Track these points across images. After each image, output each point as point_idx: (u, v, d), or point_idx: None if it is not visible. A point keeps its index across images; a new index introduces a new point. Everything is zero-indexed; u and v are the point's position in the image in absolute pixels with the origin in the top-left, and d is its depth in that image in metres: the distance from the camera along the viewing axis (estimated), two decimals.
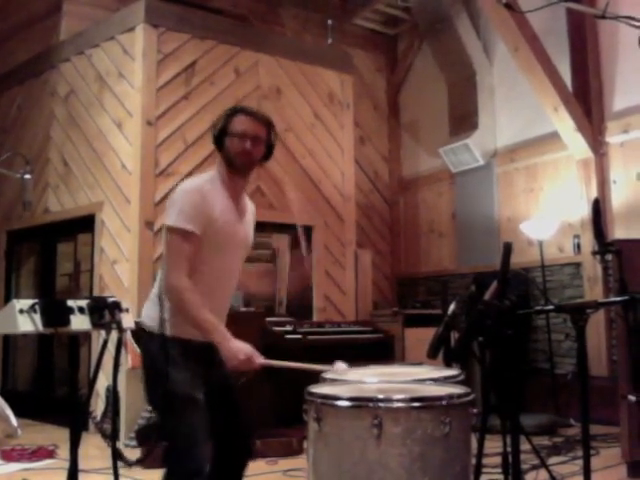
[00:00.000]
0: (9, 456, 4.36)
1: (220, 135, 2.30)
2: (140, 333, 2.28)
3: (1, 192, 6.93)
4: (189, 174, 5.64)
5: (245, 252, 2.40)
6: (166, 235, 2.21)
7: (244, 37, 6.20)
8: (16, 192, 6.36)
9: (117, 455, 2.46)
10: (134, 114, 5.56)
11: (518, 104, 6.67)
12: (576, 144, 6.01)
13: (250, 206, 2.46)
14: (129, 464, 3.02)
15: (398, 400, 2.06)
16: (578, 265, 6.07)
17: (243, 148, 2.25)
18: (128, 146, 5.58)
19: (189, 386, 2.16)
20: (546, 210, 6.32)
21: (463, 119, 7.15)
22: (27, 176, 3.11)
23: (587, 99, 6.04)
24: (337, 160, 6.68)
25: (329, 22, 7.15)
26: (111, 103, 5.81)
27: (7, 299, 6.39)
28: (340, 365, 2.39)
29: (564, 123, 5.95)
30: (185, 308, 2.14)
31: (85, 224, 5.89)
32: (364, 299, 6.73)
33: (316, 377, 2.49)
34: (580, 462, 2.33)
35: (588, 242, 5.88)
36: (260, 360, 2.12)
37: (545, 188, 6.43)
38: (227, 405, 2.30)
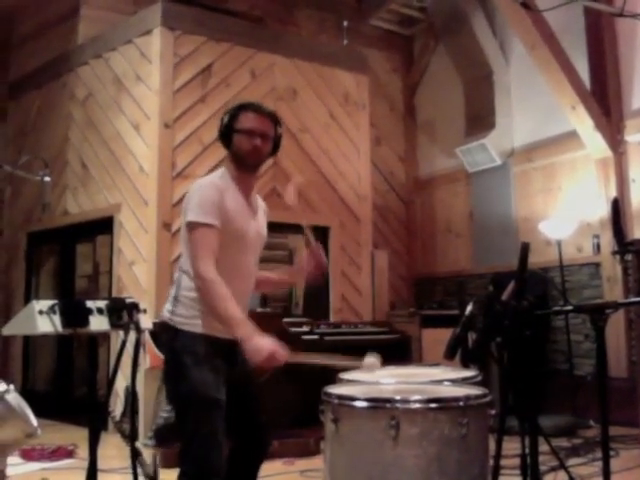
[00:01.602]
0: (29, 455, 4.40)
1: (227, 132, 2.30)
2: (164, 329, 2.26)
3: (21, 194, 7.01)
4: (205, 176, 5.66)
5: (259, 249, 2.39)
6: (188, 231, 2.20)
7: (260, 39, 6.22)
8: (35, 194, 6.42)
9: (137, 456, 2.48)
10: (151, 116, 5.59)
11: (535, 103, 6.63)
12: (594, 143, 5.96)
13: (261, 203, 2.47)
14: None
15: (415, 401, 2.06)
16: (597, 265, 6.02)
17: (253, 146, 2.25)
18: (145, 148, 5.62)
19: (211, 387, 2.14)
20: (564, 210, 6.27)
21: (479, 119, 7.11)
22: (46, 178, 3.13)
23: (605, 97, 5.98)
24: (353, 161, 6.68)
25: (344, 23, 7.14)
26: (129, 106, 5.86)
27: (27, 300, 6.45)
28: (370, 359, 2.39)
29: (582, 122, 5.90)
30: (212, 300, 2.12)
31: (103, 226, 5.94)
32: (381, 299, 6.72)
33: (333, 377, 2.49)
34: (599, 464, 2.31)
35: (607, 242, 5.83)
36: (284, 355, 2.04)
37: (563, 188, 6.38)
38: (246, 403, 2.29)
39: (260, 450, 2.33)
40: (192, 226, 2.18)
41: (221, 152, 5.74)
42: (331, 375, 2.55)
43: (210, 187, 2.22)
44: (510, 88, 7.00)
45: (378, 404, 2.08)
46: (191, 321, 2.20)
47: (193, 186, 2.28)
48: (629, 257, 5.32)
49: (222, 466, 2.09)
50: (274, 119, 2.33)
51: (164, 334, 2.26)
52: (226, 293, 2.11)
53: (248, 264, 2.32)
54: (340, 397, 2.16)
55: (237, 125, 2.28)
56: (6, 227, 7.30)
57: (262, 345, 2.01)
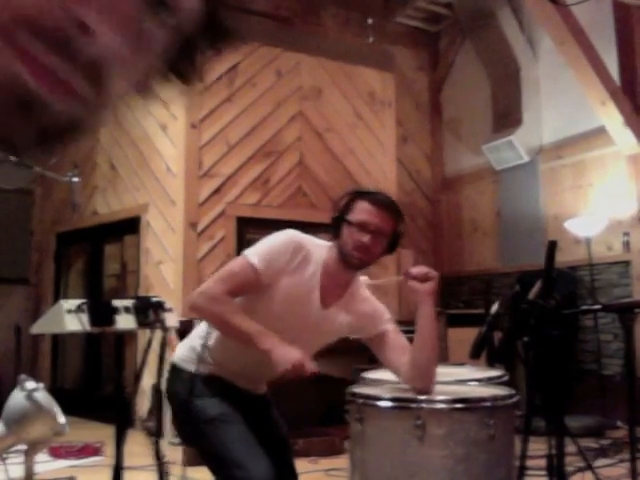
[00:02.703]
0: (57, 453, 4.45)
1: (338, 220, 2.02)
2: (169, 371, 2.17)
3: (51, 195, 7.11)
4: (232, 175, 5.70)
5: (316, 343, 2.17)
6: (236, 258, 2.06)
7: (285, 38, 6.23)
8: (65, 195, 6.50)
9: (159, 453, 2.50)
10: (178, 117, 5.64)
11: (564, 99, 6.54)
12: (625, 139, 5.86)
13: (362, 306, 2.16)
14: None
15: (440, 401, 2.05)
16: (627, 263, 5.92)
17: (361, 242, 1.97)
18: (172, 148, 5.66)
19: (219, 407, 2.00)
20: (594, 207, 6.18)
21: (507, 115, 7.04)
22: (75, 179, 3.17)
23: (635, 93, 5.89)
24: (379, 159, 6.66)
25: (370, 21, 7.12)
26: (156, 107, 5.90)
27: (56, 299, 6.54)
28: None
29: (612, 118, 5.81)
30: (222, 317, 1.93)
31: (131, 225, 6.00)
32: (406, 298, 6.69)
33: (358, 376, 2.49)
34: (627, 465, 2.28)
35: (637, 240, 5.73)
36: (311, 366, 1.89)
37: (593, 185, 6.29)
38: (275, 453, 2.07)
39: None
40: (241, 256, 2.00)
41: (247, 151, 5.81)
42: (356, 374, 2.54)
43: (289, 242, 2.00)
44: (538, 84, 6.92)
45: (403, 404, 2.07)
46: (186, 361, 2.12)
47: (285, 231, 2.04)
48: None
49: (271, 474, 1.89)
50: (396, 214, 2.06)
51: (169, 378, 2.17)
52: (235, 308, 1.94)
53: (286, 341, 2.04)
54: (365, 397, 2.15)
55: (350, 215, 2.00)
56: (37, 227, 7.42)
57: (289, 354, 1.87)
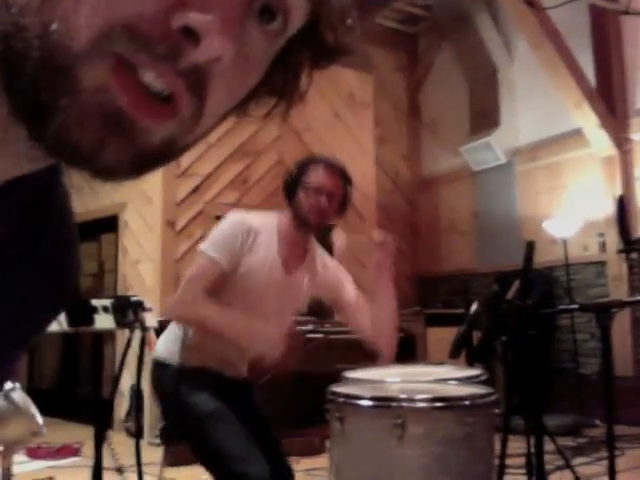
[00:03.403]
0: (35, 454, 4.41)
1: (292, 186, 2.15)
2: (154, 367, 2.18)
3: None
4: (210, 174, 5.68)
5: (287, 311, 2.20)
6: (198, 256, 2.12)
7: None
8: None
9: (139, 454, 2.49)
10: None
11: (540, 101, 6.62)
12: (600, 141, 5.94)
13: (323, 267, 2.26)
14: None
15: (421, 400, 2.06)
16: (603, 264, 6.00)
17: (318, 203, 2.10)
18: None
19: (212, 403, 2.04)
20: (569, 208, 6.26)
21: (484, 117, 7.10)
22: None
23: (610, 96, 5.97)
24: (357, 160, 6.67)
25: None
26: None
27: None
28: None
29: (587, 120, 5.89)
30: (205, 321, 2.01)
31: (108, 224, 5.96)
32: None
33: (339, 376, 2.49)
34: (605, 463, 2.31)
35: (613, 240, 5.82)
36: (298, 333, 2.02)
37: (568, 186, 6.37)
38: (263, 443, 2.09)
39: None
40: (199, 254, 2.09)
41: (225, 150, 5.79)
42: (336, 374, 2.55)
43: (236, 225, 2.09)
44: (515, 86, 6.99)
45: (383, 403, 2.08)
46: (170, 355, 2.14)
47: (230, 215, 2.15)
48: (634, 255, 5.31)
49: (265, 472, 1.93)
50: (345, 177, 2.18)
51: (154, 372, 2.19)
52: (212, 308, 2.00)
53: (260, 316, 2.10)
54: (345, 396, 2.16)
55: (305, 179, 2.13)
56: None
57: (275, 336, 1.95)
